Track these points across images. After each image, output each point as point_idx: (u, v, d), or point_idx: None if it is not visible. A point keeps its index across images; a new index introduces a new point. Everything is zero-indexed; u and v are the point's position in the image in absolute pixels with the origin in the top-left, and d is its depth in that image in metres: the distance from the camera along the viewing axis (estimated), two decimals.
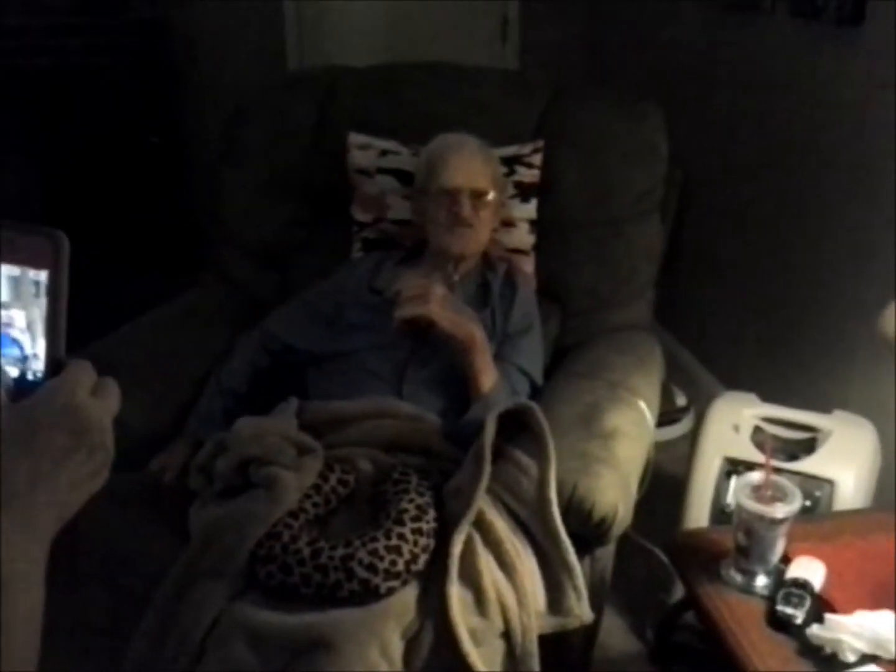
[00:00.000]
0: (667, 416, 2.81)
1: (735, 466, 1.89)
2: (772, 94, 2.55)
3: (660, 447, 2.61)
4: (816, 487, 1.82)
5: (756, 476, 1.42)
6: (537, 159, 2.04)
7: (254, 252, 2.26)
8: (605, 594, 1.74)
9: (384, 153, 2.09)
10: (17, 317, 0.67)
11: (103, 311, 2.14)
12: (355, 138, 2.11)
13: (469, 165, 1.89)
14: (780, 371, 2.56)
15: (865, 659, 1.26)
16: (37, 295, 0.66)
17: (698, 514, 1.91)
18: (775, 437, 1.89)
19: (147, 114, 3.18)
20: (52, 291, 0.66)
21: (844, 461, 1.85)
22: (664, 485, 2.10)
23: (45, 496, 0.63)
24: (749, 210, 2.75)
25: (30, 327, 0.67)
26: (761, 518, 1.36)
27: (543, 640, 1.41)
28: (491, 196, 1.90)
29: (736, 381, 2.45)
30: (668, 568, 2.08)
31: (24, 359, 0.67)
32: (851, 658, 1.26)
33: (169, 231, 3.20)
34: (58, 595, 1.97)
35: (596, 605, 1.51)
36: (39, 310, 0.66)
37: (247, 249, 2.26)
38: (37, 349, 0.67)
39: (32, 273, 0.65)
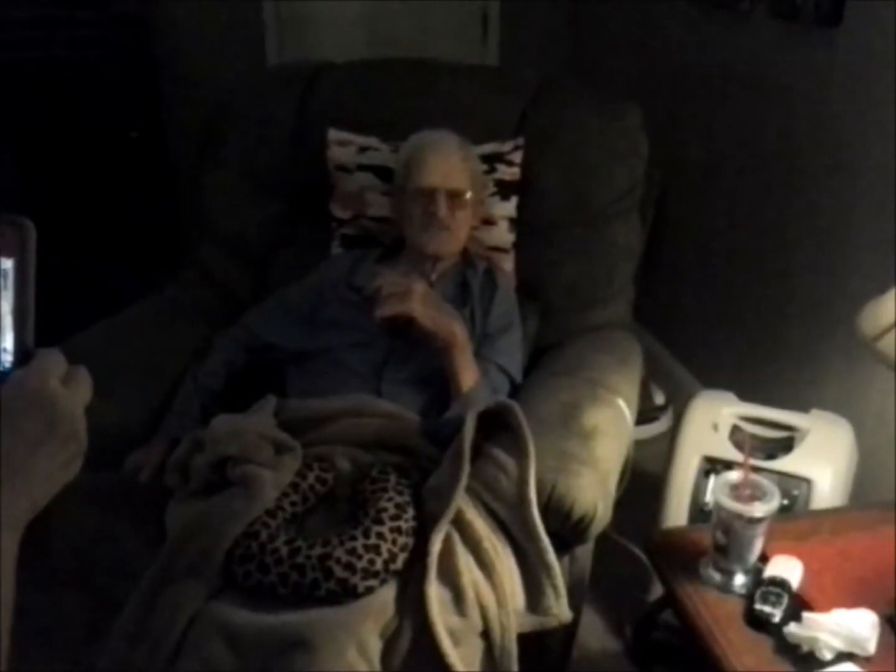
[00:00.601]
0: (645, 415, 2.82)
1: (713, 465, 1.89)
2: (751, 94, 2.56)
3: (638, 445, 2.61)
4: (794, 486, 1.83)
5: (735, 475, 1.42)
6: (518, 157, 2.03)
7: (233, 248, 2.24)
8: (584, 593, 1.74)
9: (363, 150, 2.08)
10: None
11: (81, 307, 2.13)
12: (335, 134, 2.10)
13: (447, 165, 1.88)
14: (758, 370, 2.57)
15: (842, 657, 1.27)
16: (4, 287, 0.65)
17: (677, 513, 1.91)
18: (753, 437, 1.89)
19: (127, 109, 3.14)
20: (19, 281, 0.64)
21: (822, 460, 1.86)
22: (642, 483, 2.11)
23: (18, 486, 0.62)
24: (727, 210, 2.75)
25: None
26: (740, 517, 1.36)
27: (522, 639, 1.41)
28: (468, 196, 1.89)
29: (714, 379, 2.46)
30: (647, 567, 2.09)
31: None
32: (828, 656, 1.26)
33: (148, 226, 3.17)
34: (32, 595, 1.96)
35: (575, 605, 1.51)
36: (7, 302, 0.65)
37: (226, 246, 2.25)
38: (5, 343, 0.65)
39: None
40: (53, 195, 2.89)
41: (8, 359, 0.65)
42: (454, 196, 1.87)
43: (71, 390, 0.65)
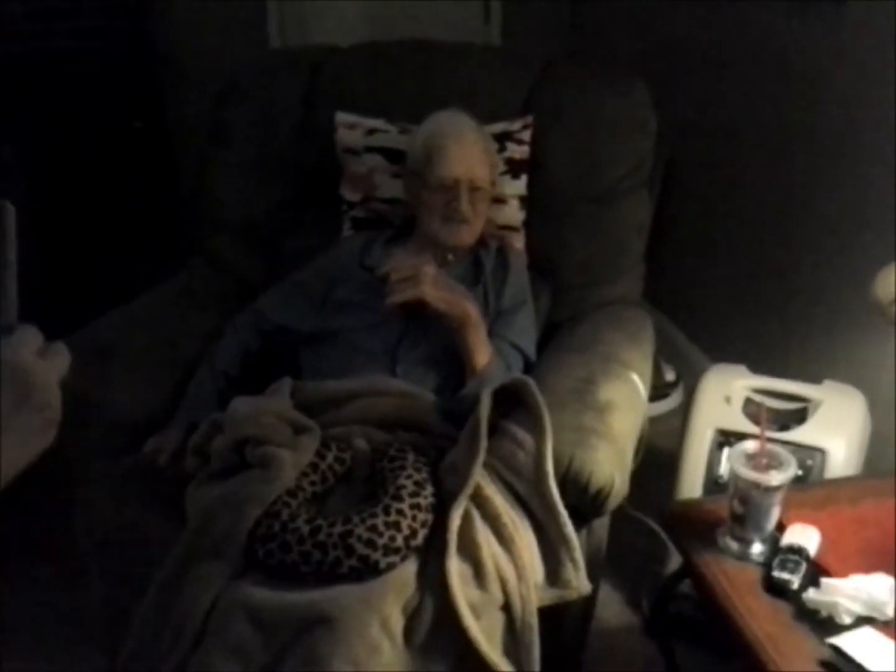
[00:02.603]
0: (656, 391, 2.83)
1: (727, 438, 1.90)
2: (758, 70, 2.55)
3: (650, 422, 2.63)
4: (808, 456, 1.83)
5: (751, 444, 1.43)
6: (527, 135, 2.04)
7: (243, 234, 2.25)
8: (602, 566, 1.75)
9: (372, 132, 2.09)
10: None
11: (91, 297, 2.14)
12: (342, 117, 2.10)
13: (470, 156, 1.86)
14: (769, 343, 2.57)
15: (861, 621, 1.28)
16: None
17: (692, 486, 1.92)
18: (766, 408, 1.90)
19: (129, 98, 3.14)
20: None
21: (835, 430, 1.86)
22: (656, 459, 2.11)
23: None
24: (736, 185, 2.75)
25: None
26: (757, 486, 1.37)
27: (541, 612, 1.42)
28: (488, 186, 1.89)
29: (725, 354, 2.45)
30: (663, 541, 2.10)
31: None
32: (847, 620, 1.28)
33: (154, 215, 3.18)
34: (57, 583, 1.98)
35: (593, 577, 1.51)
36: None
37: (236, 232, 2.26)
38: None
39: None
40: (58, 187, 2.89)
41: None
42: (475, 188, 1.86)
43: (46, 362, 0.67)
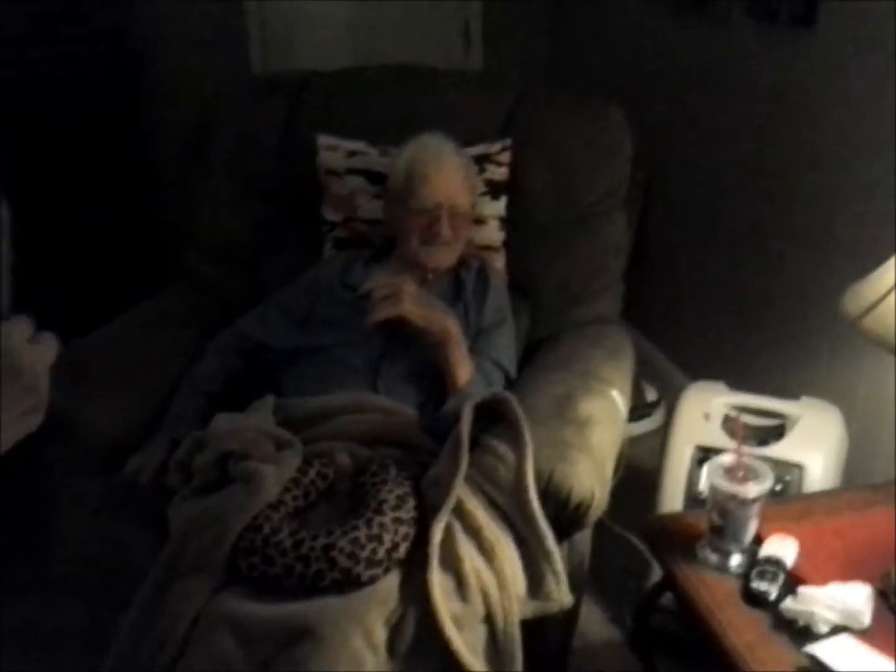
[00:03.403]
0: (638, 411, 2.85)
1: (706, 454, 1.92)
2: (731, 94, 2.60)
3: (632, 441, 2.65)
4: (786, 472, 1.85)
5: (728, 457, 1.45)
6: (506, 157, 2.06)
7: (224, 254, 2.26)
8: (584, 580, 1.76)
9: (353, 154, 2.11)
10: None
11: (72, 317, 2.14)
12: (324, 140, 2.13)
13: (451, 182, 1.88)
14: (748, 361, 2.60)
15: (838, 630, 1.30)
16: None
17: (672, 502, 1.94)
18: (745, 425, 1.92)
19: (109, 122, 3.16)
20: None
21: (812, 445, 1.89)
22: (638, 478, 2.13)
23: None
24: (711, 206, 2.79)
25: None
26: (734, 497, 1.39)
27: (524, 625, 1.43)
28: (469, 210, 1.91)
29: (705, 373, 2.47)
30: (645, 557, 2.11)
31: None
32: (824, 629, 1.29)
33: (133, 237, 3.19)
34: (34, 601, 1.97)
35: (575, 590, 1.53)
36: None
37: (217, 252, 2.27)
38: None
39: None
40: (38, 210, 2.90)
41: None
42: (456, 214, 1.88)
43: (34, 347, 0.68)
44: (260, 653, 1.30)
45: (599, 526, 1.86)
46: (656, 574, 1.82)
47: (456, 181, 1.89)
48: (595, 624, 2.10)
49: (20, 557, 2.20)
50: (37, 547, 1.95)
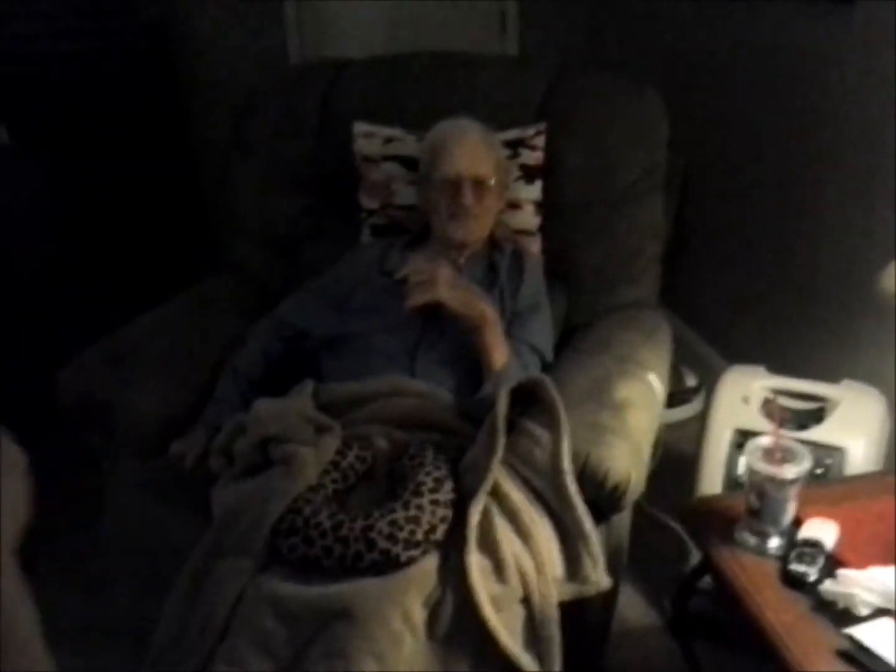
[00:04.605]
0: (678, 397, 2.84)
1: (745, 438, 1.90)
2: (771, 74, 2.57)
3: (672, 427, 2.64)
4: (827, 455, 1.84)
5: (766, 439, 1.44)
6: (540, 141, 2.06)
7: (264, 243, 2.29)
8: (623, 563, 1.76)
9: (389, 140, 2.12)
10: None
11: (116, 305, 2.18)
12: (360, 127, 2.14)
13: (472, 153, 1.91)
14: (788, 344, 2.58)
15: (878, 612, 1.29)
16: None
17: (711, 487, 1.93)
18: (784, 408, 1.91)
19: (152, 115, 3.21)
20: None
21: (854, 429, 1.87)
22: (677, 464, 2.13)
23: None
24: (752, 188, 2.76)
25: None
26: (772, 479, 1.38)
27: (563, 609, 1.43)
28: (493, 182, 1.91)
29: (744, 357, 2.46)
30: (684, 542, 2.11)
31: None
32: (864, 611, 1.28)
33: (176, 227, 3.23)
34: (82, 593, 2.01)
35: (613, 573, 1.52)
36: None
37: (257, 241, 2.30)
38: None
39: None
40: (82, 199, 2.95)
41: None
42: (479, 184, 1.90)
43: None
44: (300, 632, 1.32)
45: (638, 511, 1.86)
46: (695, 559, 1.82)
47: (476, 152, 1.91)
48: (634, 608, 2.10)
49: (66, 540, 2.25)
50: (82, 529, 1.99)
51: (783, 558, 1.40)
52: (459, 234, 1.92)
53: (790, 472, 1.38)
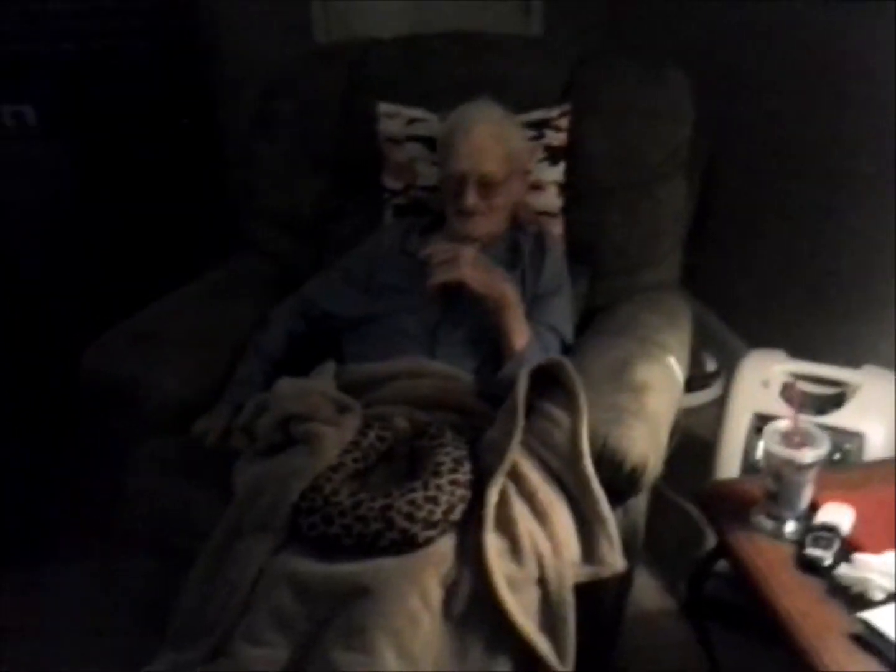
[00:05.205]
0: (697, 382, 2.84)
1: (764, 422, 1.90)
2: (799, 63, 2.55)
3: (691, 412, 2.64)
4: (846, 440, 1.84)
5: (784, 423, 1.45)
6: (565, 122, 2.06)
7: (288, 224, 2.30)
8: (638, 546, 1.77)
9: (412, 121, 2.12)
10: None
11: (142, 285, 2.21)
12: (384, 107, 2.14)
13: (477, 150, 1.86)
14: (809, 329, 2.56)
15: (892, 597, 1.29)
16: None
17: (729, 470, 1.94)
18: (804, 393, 1.91)
19: (177, 96, 3.22)
20: None
21: (873, 414, 1.87)
22: (696, 448, 2.13)
23: None
24: (775, 174, 2.75)
25: None
26: (789, 463, 1.39)
27: (578, 591, 1.44)
28: (501, 179, 1.87)
29: (765, 342, 2.46)
30: (701, 527, 2.12)
31: None
32: (879, 596, 1.29)
33: (203, 205, 3.25)
34: (104, 560, 2.04)
35: (629, 556, 1.53)
36: None
37: (280, 222, 2.31)
38: None
39: None
40: (109, 181, 2.97)
41: None
42: (485, 181, 1.86)
43: None
44: (319, 609, 1.34)
45: (655, 496, 1.86)
46: (711, 542, 1.82)
47: (484, 149, 1.86)
48: (649, 592, 2.11)
49: (89, 516, 2.29)
50: (106, 505, 2.03)
51: (799, 542, 1.40)
52: (466, 231, 1.90)
53: (808, 456, 1.38)
